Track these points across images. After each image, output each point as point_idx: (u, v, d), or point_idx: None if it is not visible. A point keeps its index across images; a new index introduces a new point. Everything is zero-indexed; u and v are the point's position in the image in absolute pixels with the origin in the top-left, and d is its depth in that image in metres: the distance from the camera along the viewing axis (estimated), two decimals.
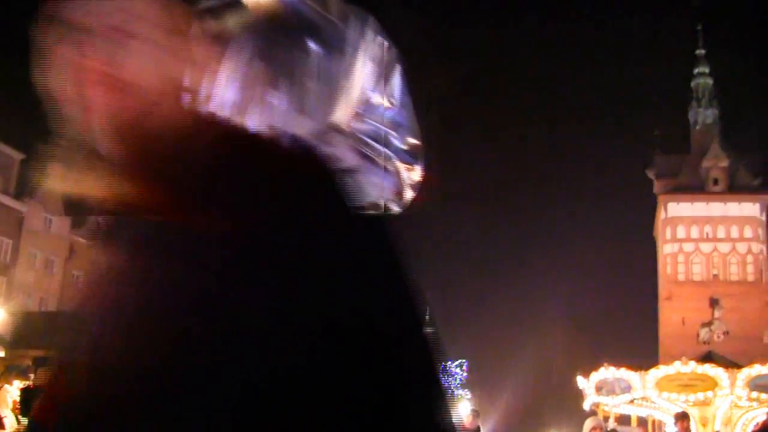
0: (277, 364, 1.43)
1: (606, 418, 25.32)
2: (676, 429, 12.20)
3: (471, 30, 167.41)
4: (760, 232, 73.03)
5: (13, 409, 12.84)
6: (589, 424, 10.85)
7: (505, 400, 65.41)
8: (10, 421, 12.58)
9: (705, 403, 24.98)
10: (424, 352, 1.72)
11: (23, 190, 45.48)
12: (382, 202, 2.03)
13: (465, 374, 64.56)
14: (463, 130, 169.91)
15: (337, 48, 2.00)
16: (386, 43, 2.10)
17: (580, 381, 25.89)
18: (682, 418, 12.37)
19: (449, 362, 66.44)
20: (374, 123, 2.05)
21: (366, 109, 2.05)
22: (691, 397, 24.46)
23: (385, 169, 2.02)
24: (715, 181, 74.15)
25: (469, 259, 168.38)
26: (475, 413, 13.17)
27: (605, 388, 24.98)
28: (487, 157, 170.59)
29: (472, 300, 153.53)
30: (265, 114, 1.83)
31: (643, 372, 24.74)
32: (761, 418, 27.41)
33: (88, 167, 1.58)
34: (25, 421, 9.11)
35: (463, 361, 65.17)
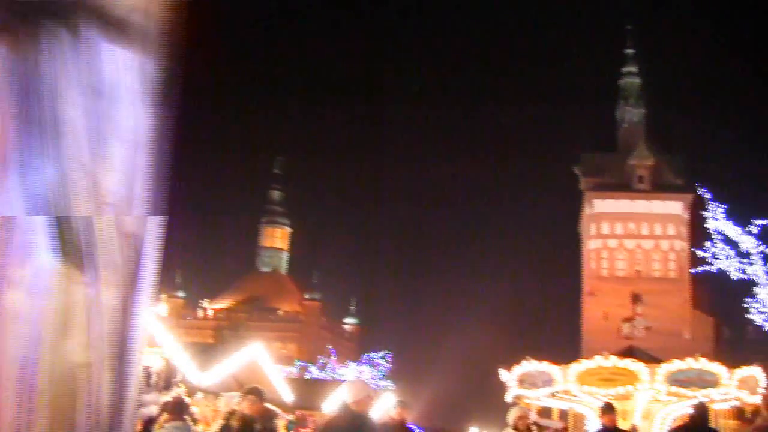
0: None
1: (528, 411, 25.33)
2: (600, 422, 11.83)
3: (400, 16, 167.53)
4: (683, 230, 73.95)
5: None
6: (515, 412, 10.65)
7: (429, 391, 65.51)
8: None
9: (625, 397, 25.04)
10: None
11: None
12: None
13: (389, 366, 64.68)
14: (400, 127, 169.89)
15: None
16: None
17: (503, 374, 25.84)
18: (608, 410, 12.07)
19: (374, 353, 66.60)
20: None
21: None
22: (612, 391, 24.49)
23: None
24: (641, 179, 74.96)
25: (396, 253, 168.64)
26: (402, 404, 12.88)
27: (527, 381, 24.96)
28: (417, 154, 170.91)
29: (398, 293, 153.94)
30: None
31: (564, 366, 24.75)
32: (679, 413, 27.65)
33: None
34: None
35: (388, 352, 65.24)
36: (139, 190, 1.92)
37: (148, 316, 2.10)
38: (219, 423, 10.17)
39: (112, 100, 1.83)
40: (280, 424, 22.36)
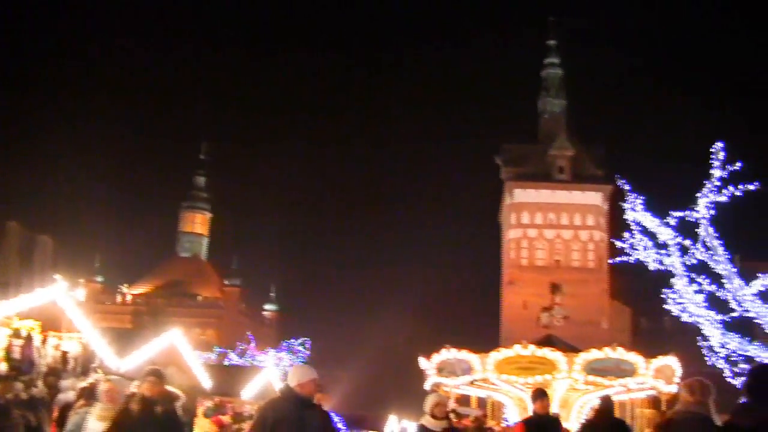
0: None
1: (447, 399, 25.41)
2: (532, 408, 11.73)
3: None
4: (602, 220, 74.90)
5: None
6: (432, 399, 10.62)
7: (348, 379, 65.52)
8: None
9: (543, 386, 25.17)
10: None
11: None
12: None
13: (308, 353, 64.54)
14: (323, 114, 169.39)
15: None
16: None
17: (422, 362, 25.90)
18: (540, 396, 12.02)
19: (293, 340, 66.43)
20: None
21: None
22: (530, 380, 24.68)
23: None
24: (561, 170, 75.71)
25: (317, 240, 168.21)
26: (321, 390, 12.82)
27: (446, 369, 25.03)
28: (339, 141, 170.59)
29: (318, 281, 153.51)
30: None
31: (483, 354, 24.85)
32: (595, 402, 27.98)
33: None
34: None
35: (307, 339, 65.09)
36: None
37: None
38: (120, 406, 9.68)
39: None
40: (200, 410, 22.18)
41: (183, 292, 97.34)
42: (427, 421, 10.34)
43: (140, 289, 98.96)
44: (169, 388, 9.98)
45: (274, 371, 37.23)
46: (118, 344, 21.73)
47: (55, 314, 18.83)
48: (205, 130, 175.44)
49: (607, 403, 16.27)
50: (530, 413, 12.72)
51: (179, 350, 25.01)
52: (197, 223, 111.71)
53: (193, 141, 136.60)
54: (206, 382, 25.92)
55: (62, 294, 19.28)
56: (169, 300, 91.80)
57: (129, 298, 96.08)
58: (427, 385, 26.40)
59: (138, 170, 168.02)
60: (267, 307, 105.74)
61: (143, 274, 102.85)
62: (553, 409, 25.14)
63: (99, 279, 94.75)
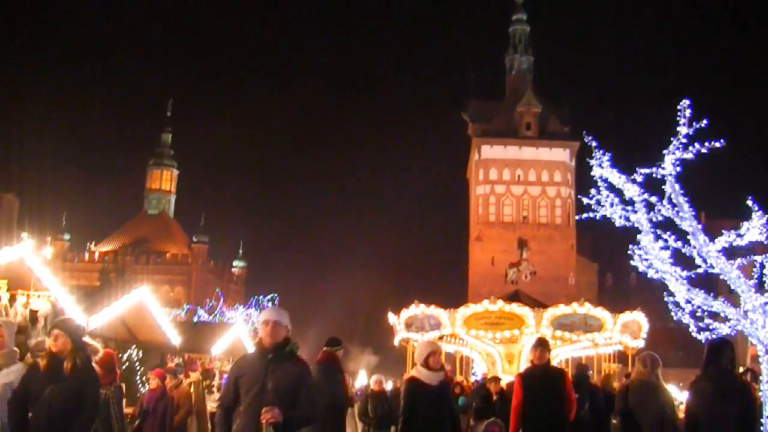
0: None
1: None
2: (530, 358, 10.32)
3: None
4: (569, 177, 75.26)
5: None
6: (425, 348, 8.60)
7: (316, 334, 65.58)
8: None
9: (511, 341, 25.47)
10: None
11: None
12: None
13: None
14: (289, 69, 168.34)
15: None
16: None
17: (391, 317, 25.99)
18: (540, 345, 10.22)
19: (261, 296, 66.42)
20: None
21: None
22: (498, 335, 24.88)
23: None
24: (528, 126, 75.86)
25: (285, 196, 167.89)
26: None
27: (415, 324, 25.09)
28: (307, 97, 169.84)
29: (286, 236, 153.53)
30: None
31: (452, 309, 24.97)
32: (564, 357, 28.27)
33: None
34: None
35: (275, 295, 65.10)
36: None
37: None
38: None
39: None
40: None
41: (151, 249, 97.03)
42: (421, 373, 8.99)
43: (107, 247, 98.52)
44: (87, 340, 8.83)
45: (243, 328, 37.23)
46: (86, 302, 21.66)
47: (23, 273, 18.74)
48: (172, 88, 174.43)
49: (583, 371, 16.65)
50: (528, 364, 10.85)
51: (147, 308, 24.96)
52: (164, 180, 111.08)
53: (160, 98, 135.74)
54: (175, 339, 25.91)
55: (29, 252, 19.18)
56: (136, 258, 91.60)
57: (96, 256, 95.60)
58: (395, 341, 26.55)
59: (105, 128, 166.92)
60: (235, 263, 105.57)
61: (110, 232, 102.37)
62: (521, 364, 25.42)
63: (66, 237, 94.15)
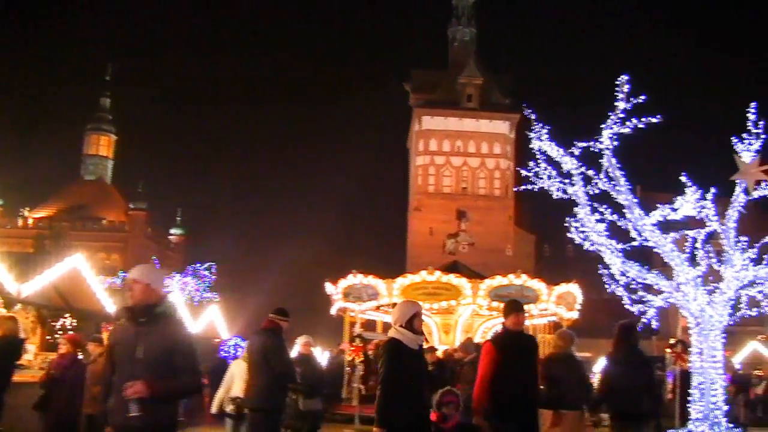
0: None
1: (353, 324, 25.59)
2: (503, 325, 9.10)
3: None
4: (509, 149, 75.66)
5: None
6: (409, 308, 8.15)
7: (255, 304, 65.42)
8: None
9: (448, 311, 25.61)
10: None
11: None
12: None
13: (214, 277, 64.17)
14: (233, 30, 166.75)
15: None
16: None
17: (328, 287, 25.96)
18: (514, 308, 8.94)
19: (198, 264, 65.98)
20: None
21: None
22: (435, 305, 25.00)
23: None
24: (469, 98, 76.00)
25: (224, 163, 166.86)
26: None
27: (352, 294, 25.12)
28: (249, 60, 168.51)
29: (224, 205, 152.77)
30: None
31: (389, 279, 25.01)
32: (499, 327, 28.47)
33: None
34: None
35: (212, 264, 64.71)
36: None
37: None
38: None
39: None
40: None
41: (87, 215, 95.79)
42: (404, 335, 7.73)
43: (42, 212, 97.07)
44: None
45: (179, 296, 36.98)
46: (18, 269, 21.39)
47: None
48: (111, 51, 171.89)
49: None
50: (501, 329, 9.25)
51: (82, 275, 24.71)
52: (102, 145, 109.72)
53: (99, 61, 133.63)
54: (110, 306, 25.69)
55: None
56: (72, 224, 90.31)
57: (30, 221, 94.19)
58: (333, 310, 26.53)
59: (41, 92, 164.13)
60: (173, 231, 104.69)
61: (46, 198, 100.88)
62: (457, 334, 25.54)
63: None
